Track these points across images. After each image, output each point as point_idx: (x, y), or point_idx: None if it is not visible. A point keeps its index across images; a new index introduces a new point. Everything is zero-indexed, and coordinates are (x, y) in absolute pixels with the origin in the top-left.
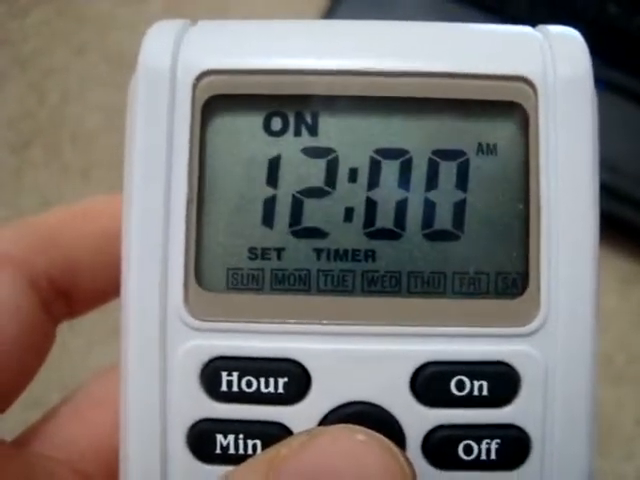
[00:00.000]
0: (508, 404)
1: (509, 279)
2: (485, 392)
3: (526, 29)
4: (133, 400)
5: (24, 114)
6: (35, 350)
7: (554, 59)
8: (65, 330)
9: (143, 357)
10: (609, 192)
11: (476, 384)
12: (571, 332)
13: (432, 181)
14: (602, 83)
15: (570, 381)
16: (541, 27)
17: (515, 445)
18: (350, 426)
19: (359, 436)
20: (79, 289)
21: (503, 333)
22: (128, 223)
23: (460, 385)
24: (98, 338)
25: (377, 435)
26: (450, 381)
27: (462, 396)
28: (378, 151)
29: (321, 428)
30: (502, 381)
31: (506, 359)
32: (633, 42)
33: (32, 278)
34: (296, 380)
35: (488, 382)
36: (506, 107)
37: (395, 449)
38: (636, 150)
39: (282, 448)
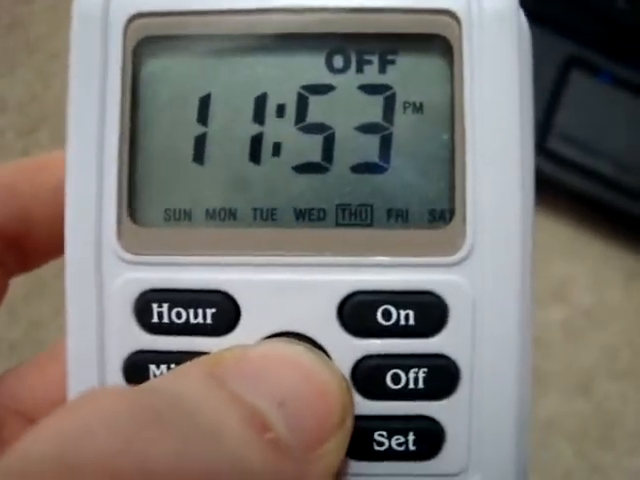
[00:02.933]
0: (436, 334)
1: (436, 210)
2: (412, 321)
3: None
4: (73, 332)
5: (31, 98)
6: None
7: None
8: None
9: (80, 291)
10: (615, 186)
11: (402, 313)
12: (498, 262)
13: (358, 115)
14: (609, 78)
15: (498, 311)
16: None
17: (443, 374)
18: (292, 339)
19: (300, 347)
20: (33, 241)
21: (430, 263)
22: (67, 162)
23: (387, 314)
24: None
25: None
26: (377, 310)
27: (389, 325)
28: (305, 87)
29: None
30: (429, 310)
31: (433, 288)
32: None
33: None
34: (225, 311)
35: (415, 311)
36: (431, 40)
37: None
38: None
39: (225, 352)
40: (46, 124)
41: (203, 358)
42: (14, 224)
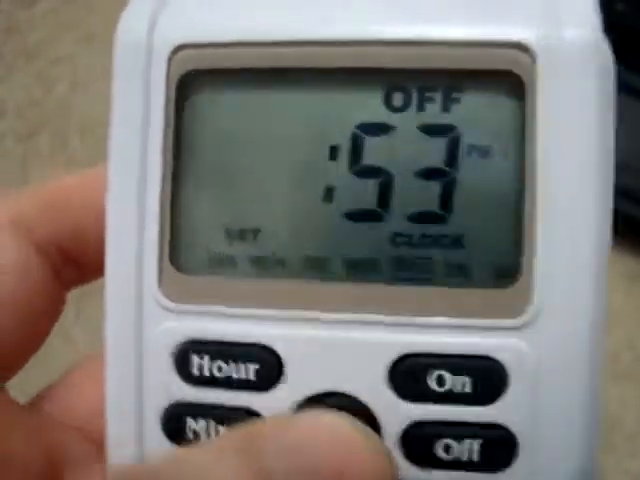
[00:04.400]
0: (493, 402)
1: (501, 267)
2: (467, 389)
3: None
4: (111, 379)
5: (31, 103)
6: (45, 313)
7: (558, 22)
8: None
9: (120, 338)
10: (617, 189)
11: (458, 380)
12: (567, 327)
13: (418, 158)
14: None
15: (564, 381)
16: None
17: (499, 446)
18: (334, 411)
19: (344, 421)
20: (88, 255)
21: (491, 325)
22: (108, 201)
23: (440, 380)
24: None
25: (360, 423)
26: (430, 375)
27: (442, 392)
28: (361, 127)
29: (303, 412)
30: (487, 377)
31: (492, 353)
32: None
33: (39, 243)
34: (268, 367)
35: (471, 378)
36: (501, 77)
37: (380, 441)
38: None
39: (263, 425)
40: (46, 129)
41: (237, 430)
42: (70, 238)
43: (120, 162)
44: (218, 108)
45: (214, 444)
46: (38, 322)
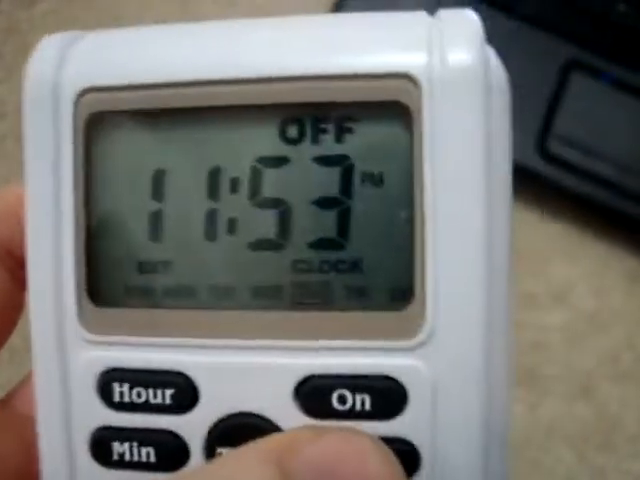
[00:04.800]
0: (394, 418)
1: (394, 291)
2: (367, 406)
3: (416, 16)
4: (40, 405)
5: None
6: (10, 312)
7: (442, 51)
8: None
9: (46, 366)
10: (616, 189)
11: (358, 398)
12: (458, 346)
13: (314, 188)
14: (610, 80)
15: (459, 395)
16: (438, 13)
17: (402, 458)
18: (357, 429)
19: (367, 439)
20: None
21: (388, 346)
22: (26, 241)
23: (342, 399)
24: None
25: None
26: (332, 394)
27: (344, 410)
28: (259, 160)
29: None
30: (386, 395)
31: (390, 373)
32: None
33: None
34: (183, 391)
35: (371, 396)
36: (389, 107)
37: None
38: None
39: (292, 438)
40: None
41: (265, 442)
42: (17, 243)
43: (35, 197)
44: (123, 147)
45: (243, 455)
46: (5, 320)
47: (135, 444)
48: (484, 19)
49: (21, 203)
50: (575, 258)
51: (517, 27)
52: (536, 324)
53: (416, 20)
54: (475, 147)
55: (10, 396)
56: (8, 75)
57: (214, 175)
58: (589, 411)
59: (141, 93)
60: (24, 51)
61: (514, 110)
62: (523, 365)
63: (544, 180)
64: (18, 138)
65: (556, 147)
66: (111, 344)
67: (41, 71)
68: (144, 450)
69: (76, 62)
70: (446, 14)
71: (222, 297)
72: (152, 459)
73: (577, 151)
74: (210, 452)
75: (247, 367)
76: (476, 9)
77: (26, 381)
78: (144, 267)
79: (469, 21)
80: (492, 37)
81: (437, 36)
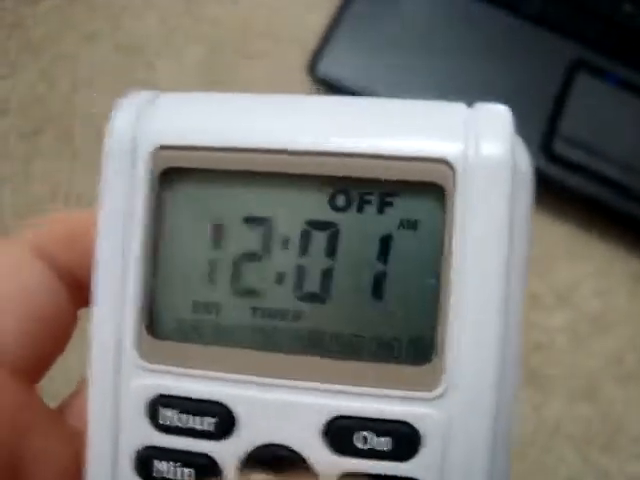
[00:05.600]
0: (409, 459)
1: (419, 347)
2: (386, 448)
3: (455, 106)
4: (92, 423)
5: (35, 100)
6: (65, 329)
7: (476, 141)
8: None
9: (101, 387)
10: (621, 189)
11: (378, 440)
12: (472, 401)
13: (356, 252)
14: (616, 81)
15: (468, 444)
16: (475, 105)
17: None
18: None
19: None
20: None
21: (408, 396)
22: (95, 271)
23: (364, 439)
24: None
25: None
26: (355, 434)
27: (365, 449)
28: (309, 222)
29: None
30: (403, 439)
31: (408, 419)
32: None
33: (58, 270)
34: (223, 420)
35: (390, 439)
36: (428, 187)
37: None
38: None
39: None
40: (50, 126)
41: None
42: (79, 267)
43: (107, 240)
44: (189, 201)
45: None
46: (59, 337)
47: (176, 464)
48: (489, 19)
49: (87, 225)
50: (580, 259)
51: (522, 27)
52: (540, 325)
53: (454, 110)
54: (500, 227)
55: (62, 408)
56: (11, 71)
57: (267, 232)
58: (593, 412)
59: (209, 154)
60: (28, 47)
61: (519, 109)
62: (527, 365)
63: (549, 181)
64: (21, 135)
65: (561, 148)
66: (162, 373)
67: (122, 127)
68: (185, 470)
69: (153, 120)
70: (481, 106)
71: (266, 340)
72: (190, 478)
73: (582, 152)
74: (243, 477)
75: (283, 403)
76: (482, 8)
77: (75, 394)
78: (198, 307)
79: (502, 114)
80: (498, 37)
81: (473, 126)
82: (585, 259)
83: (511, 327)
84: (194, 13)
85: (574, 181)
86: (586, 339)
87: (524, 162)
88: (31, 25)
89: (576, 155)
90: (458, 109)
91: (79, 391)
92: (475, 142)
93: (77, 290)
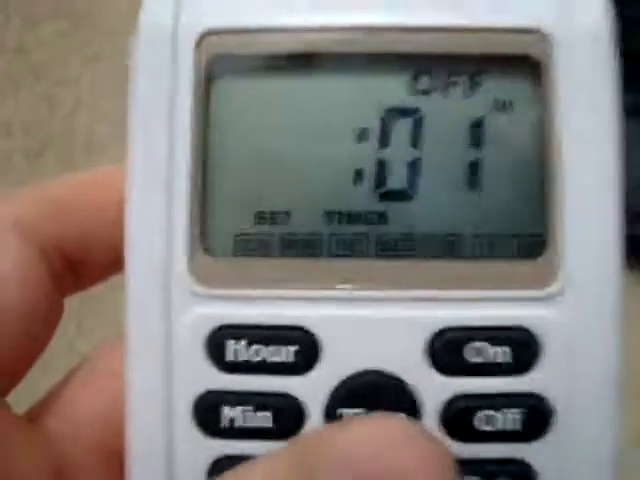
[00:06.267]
0: (528, 372)
1: (528, 239)
2: (503, 359)
3: None
4: (135, 369)
5: (37, 122)
6: (43, 321)
7: (571, 8)
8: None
9: (145, 326)
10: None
11: (495, 350)
12: (595, 296)
13: (445, 139)
14: None
15: (595, 348)
16: None
17: (537, 414)
18: (376, 415)
19: (392, 421)
20: (88, 261)
21: (522, 296)
22: (130, 184)
23: (478, 352)
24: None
25: (417, 422)
26: (466, 347)
27: (479, 363)
28: (389, 110)
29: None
30: (521, 347)
31: (525, 324)
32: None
33: (43, 248)
34: (305, 348)
35: (506, 348)
36: (521, 61)
37: (437, 439)
38: (631, 161)
39: (311, 440)
40: (53, 147)
41: (285, 450)
42: (70, 242)
43: (145, 146)
44: (245, 93)
45: (264, 466)
46: (38, 330)
47: (249, 408)
48: None
49: (73, 194)
50: None
51: None
52: None
53: None
54: (606, 99)
55: (37, 410)
56: (16, 93)
57: (341, 123)
58: None
59: (264, 36)
60: (30, 70)
61: None
62: None
63: None
64: (24, 156)
65: None
66: (224, 298)
67: (158, 15)
68: (259, 414)
69: (196, 3)
70: None
71: (346, 247)
72: (267, 424)
73: None
74: (331, 415)
75: (374, 321)
76: None
77: (55, 395)
78: (263, 216)
79: None
80: None
81: None
82: None
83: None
84: None
85: None
86: None
87: (614, 35)
88: (34, 48)
89: None
90: None
91: (59, 389)
92: (568, 9)
93: (65, 272)
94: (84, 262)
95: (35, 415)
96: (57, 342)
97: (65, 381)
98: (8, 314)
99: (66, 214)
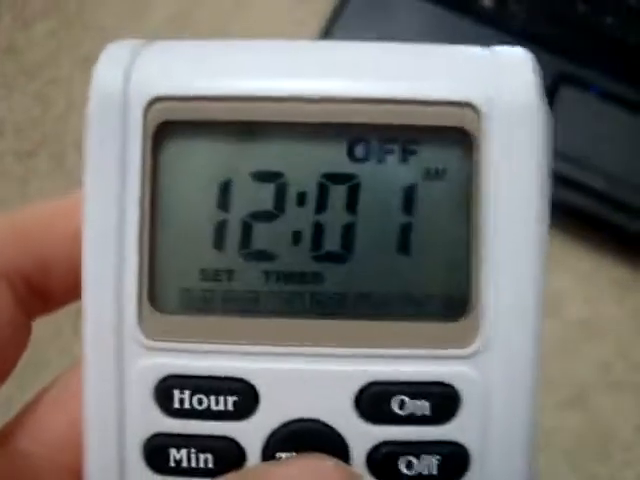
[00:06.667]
0: (448, 422)
1: (451, 302)
2: (425, 411)
3: (475, 50)
4: (92, 413)
5: (30, 123)
6: (12, 345)
7: (500, 82)
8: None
9: (101, 372)
10: (606, 200)
11: (417, 403)
12: (511, 355)
13: (379, 205)
14: (599, 93)
15: (509, 402)
16: (493, 48)
17: (454, 460)
18: (313, 454)
19: (327, 462)
20: (52, 287)
21: (444, 355)
22: (84, 244)
23: (401, 404)
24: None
25: (345, 464)
26: (392, 400)
27: (403, 415)
28: (325, 176)
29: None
30: (442, 401)
31: (446, 380)
32: (629, 52)
33: (5, 273)
34: (245, 398)
35: (428, 401)
36: (453, 132)
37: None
38: (630, 158)
39: (252, 469)
40: (45, 148)
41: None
42: (34, 271)
43: (97, 206)
44: (190, 157)
45: None
46: (5, 351)
47: (193, 450)
48: (476, 33)
49: (35, 223)
50: (567, 269)
51: (507, 42)
52: None
53: (474, 53)
54: (534, 170)
55: (8, 428)
56: (8, 93)
57: (280, 188)
58: (582, 420)
59: (210, 104)
60: (22, 71)
61: None
62: None
63: None
64: (16, 156)
65: None
66: (170, 350)
67: (109, 79)
68: (202, 456)
69: (145, 70)
70: (500, 49)
71: (283, 305)
72: (210, 465)
73: (568, 163)
74: (268, 458)
75: (309, 374)
76: (469, 23)
77: (25, 411)
78: (207, 274)
79: (522, 55)
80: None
81: (495, 69)
82: (572, 269)
83: (543, 277)
84: (187, 37)
85: (560, 193)
86: (573, 348)
87: (542, 100)
88: (25, 48)
89: (562, 167)
90: (478, 52)
91: (31, 409)
92: (499, 84)
93: (31, 296)
94: (48, 287)
95: (5, 435)
96: (52, 344)
97: (36, 400)
98: None
99: (28, 242)
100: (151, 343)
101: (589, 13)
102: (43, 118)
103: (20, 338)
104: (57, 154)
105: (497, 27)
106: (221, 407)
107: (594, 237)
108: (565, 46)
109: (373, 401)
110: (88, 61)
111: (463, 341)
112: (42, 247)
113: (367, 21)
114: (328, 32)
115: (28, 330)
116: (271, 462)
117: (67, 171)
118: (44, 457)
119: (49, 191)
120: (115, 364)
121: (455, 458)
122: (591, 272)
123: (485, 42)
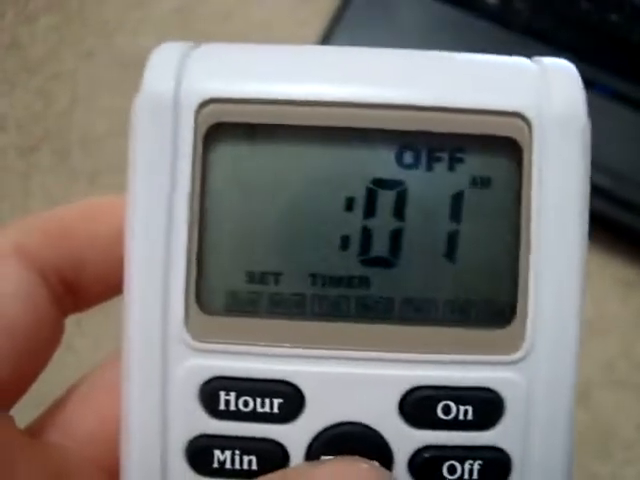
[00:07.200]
0: (491, 427)
1: (498, 309)
2: (470, 416)
3: (522, 61)
4: (134, 413)
5: (32, 118)
6: (45, 340)
7: (549, 94)
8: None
9: (145, 371)
10: (612, 199)
11: (462, 409)
12: (554, 362)
13: (426, 212)
14: (606, 91)
15: (551, 407)
16: (537, 59)
17: (496, 466)
18: (351, 457)
19: (362, 465)
20: (86, 286)
21: (489, 360)
22: (130, 243)
23: (446, 409)
24: (105, 337)
25: (377, 464)
26: (437, 405)
27: (448, 419)
28: (375, 181)
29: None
30: (486, 406)
31: (491, 385)
32: (633, 50)
33: (43, 271)
34: (290, 401)
35: (473, 407)
36: (501, 142)
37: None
38: (636, 156)
39: (294, 469)
40: (47, 143)
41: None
42: (69, 270)
43: (146, 206)
44: (242, 160)
45: None
46: (39, 350)
47: (237, 452)
48: (480, 31)
49: (71, 223)
50: None
51: (511, 39)
52: None
53: (521, 64)
54: (580, 180)
55: (39, 423)
56: (10, 89)
57: (329, 192)
58: (585, 418)
59: (262, 108)
60: (25, 66)
61: None
62: None
63: None
64: (19, 152)
65: None
66: (217, 352)
67: (161, 81)
68: (246, 458)
69: (196, 73)
70: (546, 60)
71: (329, 309)
72: (253, 467)
73: None
74: (312, 460)
75: (354, 378)
76: (474, 21)
77: (57, 410)
78: (253, 277)
79: (568, 67)
80: (488, 49)
81: (544, 81)
82: None
83: (585, 285)
84: (188, 29)
85: None
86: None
87: (587, 113)
88: (28, 43)
89: None
90: (524, 63)
91: (60, 405)
92: (548, 96)
93: (65, 294)
94: (82, 286)
95: (37, 429)
96: None
97: (67, 396)
98: (12, 334)
99: (66, 241)
100: (197, 344)
101: (593, 11)
102: (45, 113)
103: (55, 335)
104: (59, 150)
105: (501, 25)
106: (267, 409)
107: (599, 235)
108: (569, 44)
109: (418, 405)
110: (91, 55)
111: (509, 348)
112: (80, 246)
113: (370, 20)
114: (331, 32)
115: (62, 328)
116: (308, 463)
117: (69, 167)
118: (75, 452)
119: (51, 187)
120: (160, 364)
121: (497, 464)
122: (596, 271)
123: (491, 40)
